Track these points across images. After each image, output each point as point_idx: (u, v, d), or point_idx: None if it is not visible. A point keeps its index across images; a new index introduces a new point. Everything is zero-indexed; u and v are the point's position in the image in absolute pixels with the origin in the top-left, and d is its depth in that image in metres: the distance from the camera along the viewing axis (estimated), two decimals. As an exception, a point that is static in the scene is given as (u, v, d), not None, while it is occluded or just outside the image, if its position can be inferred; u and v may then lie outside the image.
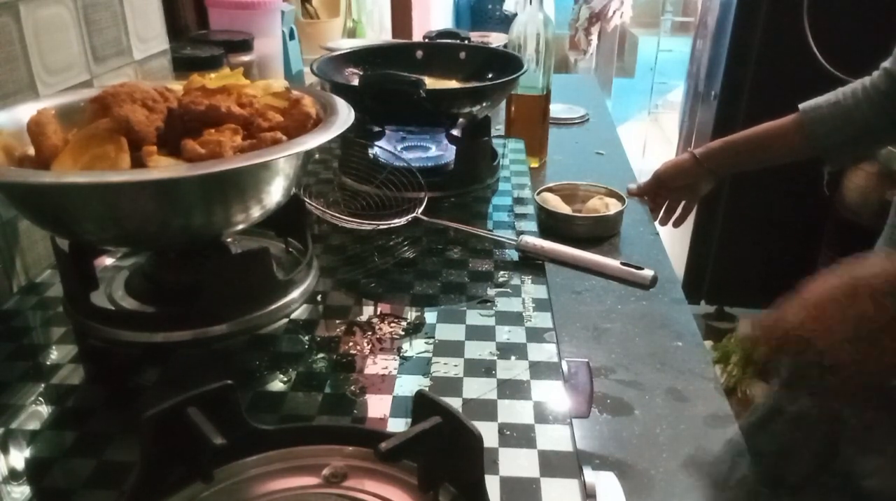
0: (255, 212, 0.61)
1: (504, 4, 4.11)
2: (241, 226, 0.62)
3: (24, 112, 0.61)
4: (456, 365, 0.58)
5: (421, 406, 0.42)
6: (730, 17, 2.04)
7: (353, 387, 0.56)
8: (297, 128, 0.62)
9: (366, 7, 2.16)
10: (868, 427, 0.62)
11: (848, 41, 1.79)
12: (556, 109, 1.50)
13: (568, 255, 0.78)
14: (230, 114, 0.61)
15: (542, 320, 0.65)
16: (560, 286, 0.89)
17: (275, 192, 0.61)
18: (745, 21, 2.00)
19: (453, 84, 1.04)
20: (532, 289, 0.70)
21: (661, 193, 1.16)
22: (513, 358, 0.59)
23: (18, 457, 0.49)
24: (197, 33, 1.21)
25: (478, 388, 0.55)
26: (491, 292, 0.70)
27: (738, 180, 2.14)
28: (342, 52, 1.10)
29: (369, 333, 0.63)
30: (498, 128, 1.31)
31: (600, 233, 1.02)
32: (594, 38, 4.14)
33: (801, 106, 1.02)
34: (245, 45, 1.16)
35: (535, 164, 1.24)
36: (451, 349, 0.61)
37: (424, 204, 0.85)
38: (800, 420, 0.67)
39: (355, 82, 0.95)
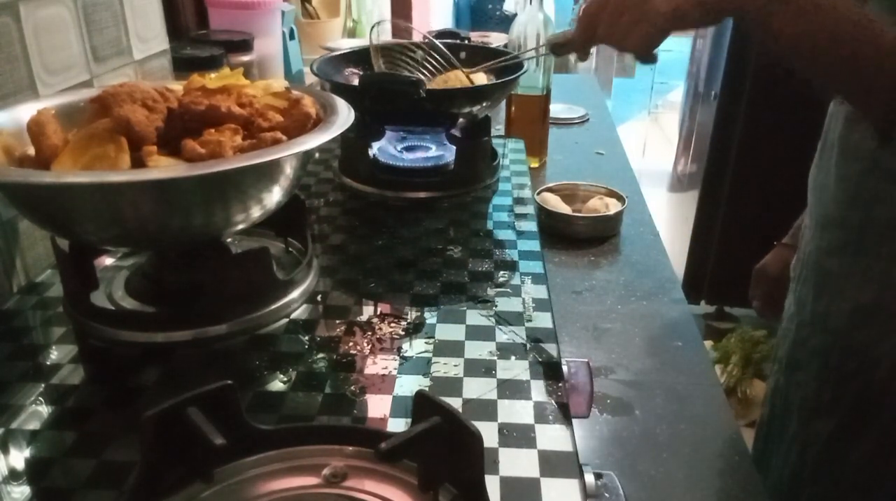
0: (255, 212, 0.61)
1: (504, 4, 4.10)
2: (241, 226, 0.62)
3: (24, 112, 0.61)
4: (456, 365, 0.58)
5: (421, 406, 0.42)
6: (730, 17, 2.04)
7: (353, 387, 0.56)
8: (297, 128, 0.62)
9: (366, 7, 2.16)
10: None
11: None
12: (556, 109, 1.50)
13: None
14: (230, 114, 0.61)
15: (542, 320, 0.65)
16: (560, 286, 0.89)
17: (275, 192, 0.61)
18: (745, 21, 2.00)
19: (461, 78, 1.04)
20: (532, 289, 0.70)
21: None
22: (513, 358, 0.59)
23: (18, 457, 0.49)
24: (197, 33, 1.21)
25: (478, 388, 0.55)
26: (491, 292, 0.70)
27: (738, 180, 2.14)
28: (342, 52, 1.10)
29: (369, 333, 0.63)
30: (498, 128, 1.31)
31: (600, 233, 1.02)
32: (594, 37, 4.13)
33: None
34: (245, 45, 1.16)
35: (535, 164, 1.24)
36: (451, 349, 0.61)
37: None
38: None
39: (355, 82, 0.95)
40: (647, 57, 0.71)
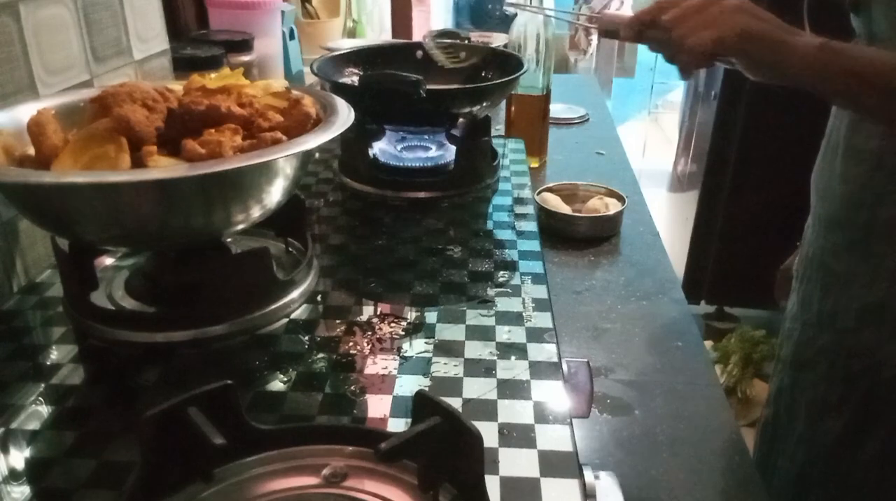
0: (255, 212, 0.61)
1: (504, 4, 4.10)
2: (241, 226, 0.62)
3: (24, 112, 0.61)
4: (456, 365, 0.58)
5: (421, 406, 0.42)
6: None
7: (353, 387, 0.56)
8: (297, 128, 0.62)
9: (366, 7, 2.16)
10: None
11: (849, 41, 1.79)
12: (556, 109, 1.50)
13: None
14: (230, 114, 0.61)
15: (542, 320, 0.65)
16: (560, 286, 0.89)
17: (275, 192, 0.61)
18: (745, 21, 2.00)
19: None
20: (532, 289, 0.70)
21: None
22: (513, 358, 0.59)
23: (18, 457, 0.49)
24: (197, 33, 1.21)
25: (478, 388, 0.55)
26: (491, 292, 0.70)
27: (738, 180, 2.14)
28: (342, 52, 1.10)
29: (369, 333, 0.63)
30: (498, 128, 1.31)
31: (600, 233, 1.02)
32: (594, 37, 4.14)
33: None
34: (245, 45, 1.17)
35: (535, 164, 1.24)
36: (451, 349, 0.61)
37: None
38: None
39: (355, 82, 0.95)
40: (690, 70, 0.70)
